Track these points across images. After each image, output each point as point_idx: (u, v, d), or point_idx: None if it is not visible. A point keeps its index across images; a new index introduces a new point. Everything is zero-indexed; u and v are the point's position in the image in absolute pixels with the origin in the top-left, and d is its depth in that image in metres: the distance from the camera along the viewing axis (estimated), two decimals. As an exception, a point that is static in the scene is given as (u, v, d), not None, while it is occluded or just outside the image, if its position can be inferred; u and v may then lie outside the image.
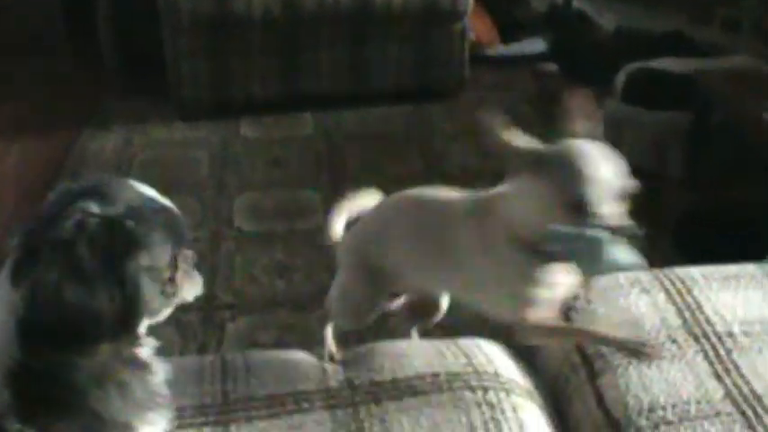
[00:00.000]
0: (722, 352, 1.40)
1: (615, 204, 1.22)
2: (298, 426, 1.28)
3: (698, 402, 1.32)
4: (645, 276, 1.55)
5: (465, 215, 1.35)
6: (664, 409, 1.31)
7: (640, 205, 1.23)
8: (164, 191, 1.10)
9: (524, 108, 3.80)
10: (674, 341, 1.42)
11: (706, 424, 1.28)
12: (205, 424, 1.29)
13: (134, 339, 1.07)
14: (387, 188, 1.57)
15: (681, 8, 4.19)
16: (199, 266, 1.14)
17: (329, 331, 1.54)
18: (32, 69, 4.23)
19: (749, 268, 1.60)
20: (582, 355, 1.43)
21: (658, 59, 3.37)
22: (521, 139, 1.25)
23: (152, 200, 1.07)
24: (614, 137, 1.95)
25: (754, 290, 1.54)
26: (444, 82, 3.96)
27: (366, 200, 1.55)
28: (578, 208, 1.20)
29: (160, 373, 1.09)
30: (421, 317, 1.64)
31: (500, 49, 4.37)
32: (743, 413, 1.30)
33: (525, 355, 1.49)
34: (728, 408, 1.31)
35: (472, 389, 1.34)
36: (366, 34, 3.80)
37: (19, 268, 1.00)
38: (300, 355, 1.46)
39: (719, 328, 1.45)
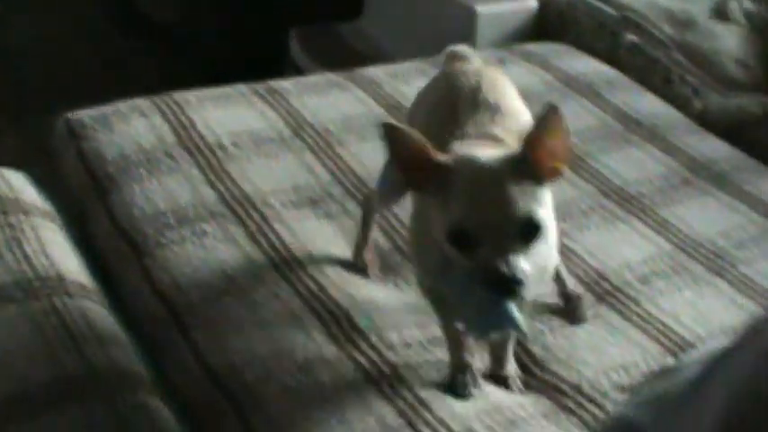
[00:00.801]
0: (214, 162, 1.56)
1: (508, 244, 0.98)
2: None
3: (194, 207, 1.47)
4: (143, 102, 1.65)
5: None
6: (165, 215, 1.46)
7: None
8: None
9: None
10: (170, 156, 1.55)
11: (203, 224, 1.45)
12: None
13: None
14: None
15: None
16: None
17: None
18: None
19: (240, 88, 1.77)
20: (91, 175, 1.52)
21: None
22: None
23: None
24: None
25: (243, 106, 1.71)
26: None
27: None
28: (456, 241, 0.99)
29: None
30: None
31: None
32: (234, 212, 1.47)
33: (48, 184, 1.53)
34: (222, 209, 1.48)
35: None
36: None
37: None
38: None
39: (211, 140, 1.61)
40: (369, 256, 1.44)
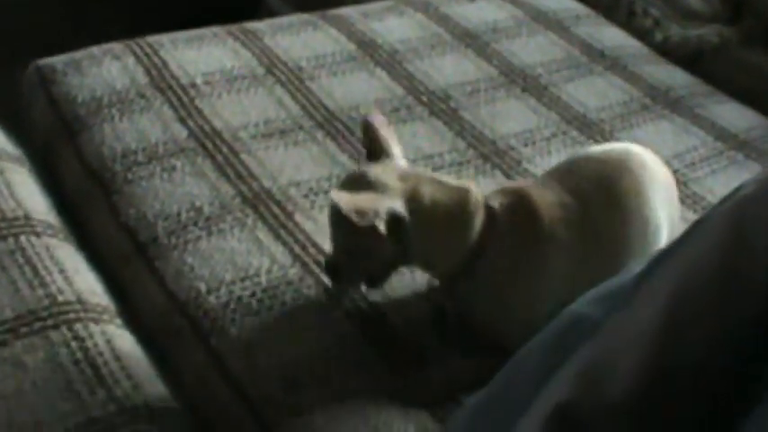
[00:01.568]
0: (186, 100, 1.49)
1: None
2: None
3: (165, 143, 1.40)
4: (116, 46, 1.59)
5: None
6: (135, 153, 1.39)
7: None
8: None
9: None
10: (142, 96, 1.48)
11: (172, 159, 1.38)
12: None
13: None
14: None
15: None
16: None
17: None
18: None
19: (214, 30, 1.71)
20: (61, 119, 1.46)
21: None
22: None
23: None
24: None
25: (216, 46, 1.64)
26: None
27: None
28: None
29: None
30: None
31: None
32: (204, 147, 1.41)
33: (17, 133, 1.48)
34: (192, 144, 1.41)
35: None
36: None
37: None
38: None
39: (184, 81, 1.54)
40: None
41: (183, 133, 1.43)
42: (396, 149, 1.15)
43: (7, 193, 1.26)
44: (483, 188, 1.17)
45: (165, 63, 1.56)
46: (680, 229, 1.21)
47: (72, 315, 1.09)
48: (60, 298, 1.11)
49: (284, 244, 1.28)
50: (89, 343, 1.07)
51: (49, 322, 1.08)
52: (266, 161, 1.41)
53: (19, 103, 1.58)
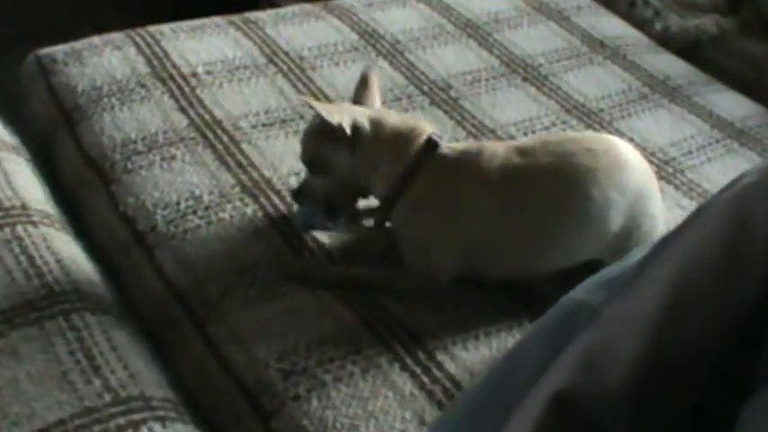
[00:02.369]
0: (187, 90, 1.44)
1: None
2: None
3: (165, 133, 1.36)
4: (117, 36, 1.54)
5: None
6: (135, 142, 1.34)
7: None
8: None
9: None
10: (143, 86, 1.44)
11: (172, 149, 1.33)
12: None
13: None
14: None
15: None
16: None
17: None
18: None
19: (216, 20, 1.65)
20: (60, 109, 1.41)
21: None
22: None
23: None
24: None
25: (217, 36, 1.59)
26: None
27: None
28: None
29: None
30: None
31: None
32: (204, 136, 1.36)
33: (12, 117, 1.44)
34: (192, 134, 1.36)
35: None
36: None
37: None
38: None
39: (185, 70, 1.49)
40: None
41: (184, 123, 1.38)
42: (378, 103, 1.26)
43: (5, 182, 1.21)
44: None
45: (166, 53, 1.51)
46: (663, 220, 1.18)
47: (68, 305, 1.05)
48: (57, 288, 1.07)
49: (283, 234, 1.23)
50: (85, 333, 1.02)
51: (45, 312, 1.03)
52: (267, 151, 1.36)
53: (18, 92, 1.54)
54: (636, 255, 0.90)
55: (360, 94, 1.26)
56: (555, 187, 1.14)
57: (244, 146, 1.36)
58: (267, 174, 1.32)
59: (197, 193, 1.26)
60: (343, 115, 1.16)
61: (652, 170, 1.23)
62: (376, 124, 1.18)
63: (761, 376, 0.71)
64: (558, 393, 0.75)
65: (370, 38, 1.70)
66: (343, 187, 1.19)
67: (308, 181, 1.21)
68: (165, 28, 1.58)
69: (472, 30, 1.80)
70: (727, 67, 1.99)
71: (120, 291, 1.18)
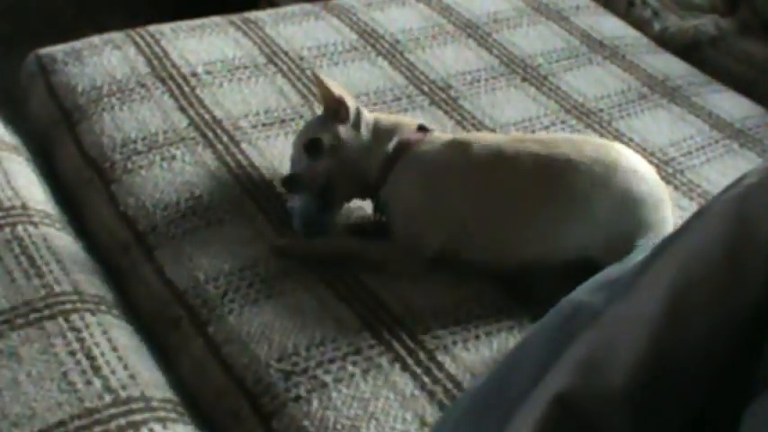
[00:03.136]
0: (186, 89, 1.44)
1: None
2: None
3: (165, 132, 1.35)
4: (117, 35, 1.53)
5: None
6: (135, 142, 1.33)
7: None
8: None
9: None
10: (143, 86, 1.43)
11: (172, 149, 1.32)
12: None
13: None
14: None
15: None
16: None
17: None
18: None
19: (215, 19, 1.65)
20: (60, 108, 1.40)
21: None
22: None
23: None
24: None
25: (217, 36, 1.59)
26: None
27: None
28: None
29: None
30: None
31: None
32: (204, 136, 1.35)
33: (12, 116, 1.43)
34: (192, 133, 1.36)
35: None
36: None
37: None
38: None
39: (185, 70, 1.48)
40: None
41: (184, 122, 1.37)
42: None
43: (5, 182, 1.20)
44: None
45: (166, 52, 1.50)
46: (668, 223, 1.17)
47: (68, 305, 1.04)
48: (57, 288, 1.06)
49: (284, 235, 1.22)
50: (85, 333, 1.02)
51: (46, 313, 1.02)
52: (266, 151, 1.36)
53: (18, 91, 1.53)
54: (637, 256, 0.90)
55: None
56: (536, 172, 1.17)
57: (244, 146, 1.36)
58: (267, 174, 1.31)
59: (197, 193, 1.26)
60: (346, 95, 1.25)
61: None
62: (373, 116, 1.27)
63: (763, 380, 0.71)
64: (559, 395, 0.75)
65: (370, 38, 1.70)
66: (345, 173, 1.22)
67: (305, 167, 1.22)
68: (165, 28, 1.57)
69: (472, 30, 1.79)
70: (725, 67, 1.99)
71: (120, 291, 1.18)
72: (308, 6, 1.77)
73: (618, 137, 1.54)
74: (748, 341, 0.73)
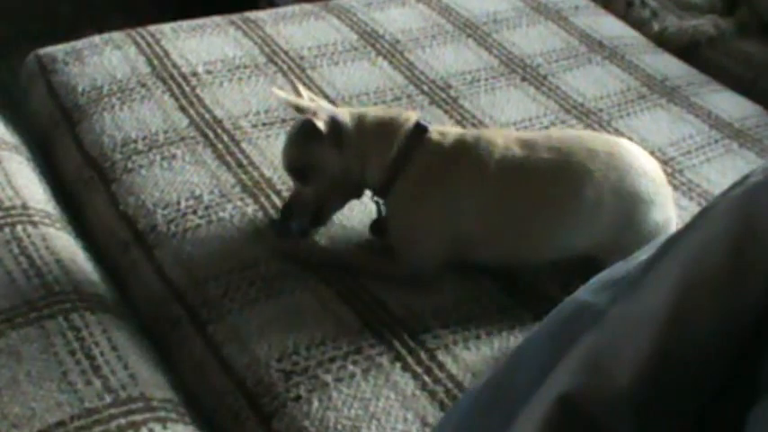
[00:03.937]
0: (187, 89, 1.42)
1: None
2: None
3: (165, 132, 1.34)
4: (118, 35, 1.52)
5: None
6: (135, 141, 1.32)
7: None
8: None
9: None
10: (143, 85, 1.42)
11: (172, 148, 1.31)
12: None
13: None
14: None
15: None
16: None
17: None
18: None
19: (216, 19, 1.63)
20: (61, 108, 1.39)
21: None
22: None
23: None
24: None
25: (217, 36, 1.58)
26: None
27: None
28: None
29: None
30: None
31: None
32: (205, 135, 1.34)
33: (12, 116, 1.41)
34: (192, 133, 1.34)
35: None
36: None
37: None
38: None
39: (185, 70, 1.47)
40: None
41: (184, 122, 1.36)
42: None
43: (5, 181, 1.19)
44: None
45: (166, 52, 1.49)
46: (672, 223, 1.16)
47: (68, 305, 1.03)
48: (56, 288, 1.05)
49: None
50: (85, 333, 1.00)
51: (45, 312, 1.01)
52: (267, 150, 1.34)
53: (18, 91, 1.51)
54: (641, 255, 0.88)
55: None
56: (549, 184, 1.13)
57: (244, 145, 1.34)
58: (267, 173, 1.30)
59: (197, 192, 1.25)
60: (315, 109, 1.13)
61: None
62: (358, 118, 1.16)
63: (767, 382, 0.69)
64: (563, 396, 0.73)
65: (370, 37, 1.68)
66: (335, 190, 1.17)
67: (296, 194, 1.18)
68: (166, 27, 1.56)
69: (471, 30, 1.78)
70: (724, 67, 1.98)
71: (120, 290, 1.16)
72: (308, 6, 1.76)
73: (617, 136, 1.53)
74: (753, 341, 0.72)
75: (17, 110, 1.48)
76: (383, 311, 1.12)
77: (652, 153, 1.49)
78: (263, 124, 1.40)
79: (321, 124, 1.12)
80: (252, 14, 1.67)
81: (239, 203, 1.24)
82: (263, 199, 1.26)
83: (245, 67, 1.51)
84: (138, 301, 1.17)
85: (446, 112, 1.52)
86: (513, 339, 1.10)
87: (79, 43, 1.49)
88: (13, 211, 1.14)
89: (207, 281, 1.13)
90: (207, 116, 1.38)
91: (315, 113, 1.12)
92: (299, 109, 1.15)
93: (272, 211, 1.24)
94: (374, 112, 1.18)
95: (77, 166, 1.33)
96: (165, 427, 0.94)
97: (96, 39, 1.50)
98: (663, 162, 1.48)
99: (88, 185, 1.30)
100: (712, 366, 0.73)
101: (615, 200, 1.13)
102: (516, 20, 1.87)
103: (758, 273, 0.73)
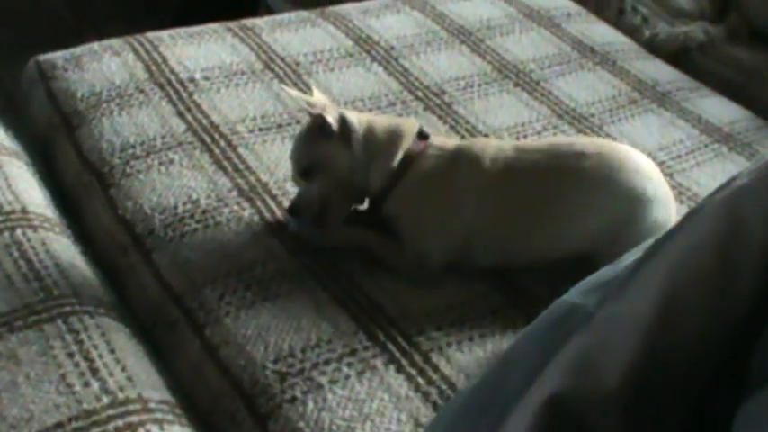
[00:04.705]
0: (184, 95, 1.43)
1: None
2: None
3: (163, 137, 1.34)
4: (116, 42, 1.52)
5: None
6: (133, 147, 1.32)
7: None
8: None
9: None
10: (141, 91, 1.42)
11: (170, 153, 1.31)
12: None
13: None
14: None
15: None
16: None
17: None
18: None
19: (213, 26, 1.63)
20: (60, 113, 1.39)
21: None
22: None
23: None
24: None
25: (215, 42, 1.58)
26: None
27: None
28: None
29: None
30: None
31: None
32: (202, 141, 1.34)
33: (12, 122, 1.41)
34: (190, 138, 1.34)
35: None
36: None
37: None
38: None
39: (183, 76, 1.47)
40: None
41: (182, 127, 1.36)
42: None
43: (5, 186, 1.19)
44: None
45: (164, 59, 1.49)
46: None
47: (67, 308, 1.03)
48: (55, 291, 1.05)
49: (280, 238, 1.21)
50: (83, 335, 1.00)
51: (44, 315, 1.01)
52: (263, 155, 1.34)
53: (18, 97, 1.51)
54: (629, 258, 0.89)
55: None
56: (538, 182, 1.15)
57: (241, 150, 1.34)
58: (264, 178, 1.30)
59: (194, 196, 1.25)
60: (325, 106, 1.16)
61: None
62: (366, 123, 1.18)
63: (756, 379, 0.70)
64: (553, 396, 0.74)
65: (365, 44, 1.69)
66: (340, 190, 1.18)
67: (302, 193, 1.19)
68: (164, 34, 1.56)
69: (465, 36, 1.78)
70: (714, 72, 1.98)
71: (118, 293, 1.16)
72: (304, 13, 1.76)
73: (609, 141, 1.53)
74: (740, 341, 0.72)
75: (18, 115, 1.48)
76: (377, 314, 1.12)
77: (642, 157, 1.50)
78: (260, 129, 1.40)
79: (332, 120, 1.14)
80: (248, 21, 1.67)
81: (236, 208, 1.24)
82: (259, 203, 1.26)
83: (242, 73, 1.52)
84: (136, 305, 1.17)
85: (440, 117, 1.52)
86: (505, 341, 1.10)
87: (78, 50, 1.49)
88: (12, 216, 1.14)
89: (204, 284, 1.13)
90: (204, 121, 1.38)
91: (325, 110, 1.15)
92: (309, 105, 1.16)
93: (268, 215, 1.24)
94: (380, 120, 1.21)
95: (76, 171, 1.33)
96: (161, 429, 0.94)
97: (95, 45, 1.51)
98: (653, 166, 1.49)
99: (87, 190, 1.30)
100: (700, 366, 0.73)
101: (608, 198, 1.14)
102: (509, 26, 1.87)
103: (744, 273, 0.73)
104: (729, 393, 0.71)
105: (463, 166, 1.16)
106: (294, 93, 1.19)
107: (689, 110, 1.68)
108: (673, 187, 1.44)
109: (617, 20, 2.13)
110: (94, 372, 0.97)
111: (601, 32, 1.95)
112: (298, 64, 1.58)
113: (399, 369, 1.05)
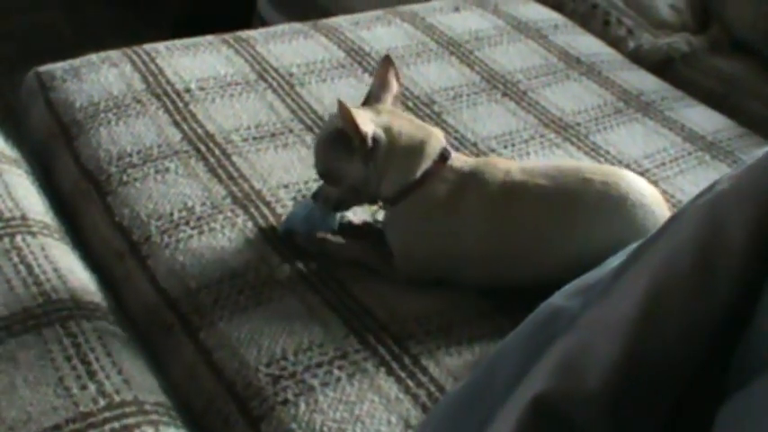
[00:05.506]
0: (180, 105, 1.43)
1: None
2: None
3: (159, 146, 1.34)
4: (114, 53, 1.52)
5: None
6: (130, 155, 1.32)
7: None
8: None
9: None
10: (138, 101, 1.42)
11: (166, 162, 1.31)
12: None
13: None
14: None
15: None
16: None
17: None
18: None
19: (208, 38, 1.64)
20: (59, 123, 1.39)
21: None
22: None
23: None
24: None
25: (210, 54, 1.58)
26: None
27: None
28: None
29: None
30: None
31: None
32: (197, 149, 1.34)
33: (12, 132, 1.41)
34: (185, 147, 1.35)
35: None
36: None
37: None
38: None
39: (179, 86, 1.47)
40: None
41: (177, 136, 1.36)
42: (390, 96, 1.20)
43: (5, 193, 1.19)
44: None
45: (161, 70, 1.50)
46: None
47: (65, 312, 1.03)
48: (54, 296, 1.05)
49: (273, 244, 1.21)
50: (81, 339, 1.01)
51: (43, 320, 1.01)
52: (257, 163, 1.35)
53: (18, 107, 1.52)
54: (613, 262, 0.89)
55: (379, 81, 1.21)
56: (541, 209, 1.13)
57: (235, 159, 1.35)
58: (257, 185, 1.30)
59: (189, 204, 1.25)
60: (370, 126, 1.12)
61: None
62: (391, 134, 1.14)
63: (735, 381, 0.70)
64: (538, 398, 0.74)
65: (357, 55, 1.69)
66: (353, 193, 1.18)
67: (324, 187, 1.19)
68: (160, 46, 1.56)
69: (454, 47, 1.79)
70: (697, 82, 1.99)
71: (114, 298, 1.16)
72: (297, 25, 1.76)
73: (594, 150, 1.54)
74: (720, 343, 0.73)
75: (18, 125, 1.48)
76: (368, 318, 1.12)
77: (628, 166, 1.50)
78: (254, 138, 1.40)
79: (370, 138, 1.11)
80: (243, 33, 1.68)
81: (230, 214, 1.24)
82: (252, 210, 1.26)
83: (237, 83, 1.52)
84: (132, 309, 1.17)
85: (430, 126, 1.53)
86: (493, 345, 1.10)
87: (77, 61, 1.50)
88: (12, 222, 1.14)
89: (199, 289, 1.13)
90: (199, 131, 1.38)
91: (369, 126, 1.11)
92: (352, 127, 1.11)
93: (261, 221, 1.24)
94: (408, 128, 1.16)
95: (75, 179, 1.33)
96: (157, 430, 0.94)
97: (93, 57, 1.51)
98: (638, 174, 1.49)
99: (85, 197, 1.30)
100: (682, 367, 0.73)
101: (607, 229, 1.11)
102: (497, 38, 1.88)
103: (724, 277, 0.73)
104: (710, 394, 0.71)
105: (469, 194, 1.14)
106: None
107: (673, 119, 1.69)
108: (656, 194, 1.45)
109: (602, 31, 2.14)
110: (91, 375, 0.97)
111: (587, 44, 1.96)
112: (291, 75, 1.58)
113: (389, 372, 1.06)
